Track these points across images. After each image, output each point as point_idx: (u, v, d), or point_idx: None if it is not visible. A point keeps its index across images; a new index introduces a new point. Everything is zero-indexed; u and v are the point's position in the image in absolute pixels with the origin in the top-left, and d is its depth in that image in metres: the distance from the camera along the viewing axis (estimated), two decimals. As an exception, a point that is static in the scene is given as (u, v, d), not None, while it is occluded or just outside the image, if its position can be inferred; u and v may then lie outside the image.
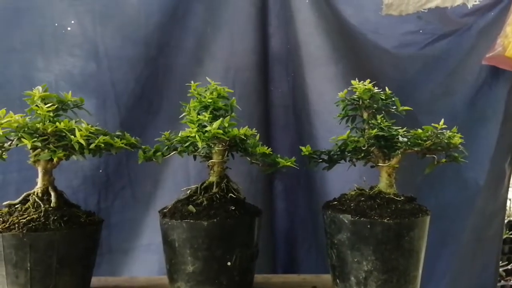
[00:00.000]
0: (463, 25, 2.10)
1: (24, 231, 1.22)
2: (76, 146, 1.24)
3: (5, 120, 1.25)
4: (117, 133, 1.39)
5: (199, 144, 1.24)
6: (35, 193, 1.33)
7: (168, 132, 1.41)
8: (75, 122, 1.32)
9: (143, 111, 1.93)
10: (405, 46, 2.09)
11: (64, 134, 1.26)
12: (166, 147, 1.39)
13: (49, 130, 1.25)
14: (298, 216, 2.11)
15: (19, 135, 1.24)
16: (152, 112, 1.94)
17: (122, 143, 1.32)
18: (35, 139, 1.23)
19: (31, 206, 1.30)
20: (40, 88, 1.35)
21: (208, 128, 1.24)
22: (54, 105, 1.32)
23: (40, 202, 1.31)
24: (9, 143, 1.29)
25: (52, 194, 1.33)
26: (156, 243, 1.89)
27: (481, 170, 2.15)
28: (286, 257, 2.17)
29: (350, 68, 2.02)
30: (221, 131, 1.25)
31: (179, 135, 1.35)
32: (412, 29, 2.08)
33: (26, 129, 1.25)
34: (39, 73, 1.85)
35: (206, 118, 1.29)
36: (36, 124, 1.26)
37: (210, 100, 1.35)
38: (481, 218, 2.21)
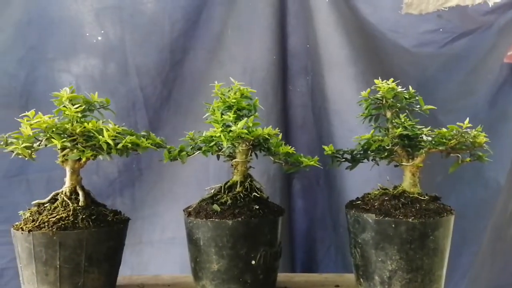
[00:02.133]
0: (483, 23, 2.08)
1: (54, 230, 1.25)
2: (104, 146, 1.26)
3: (35, 121, 1.28)
4: (143, 133, 1.42)
5: (224, 144, 1.25)
6: (64, 192, 1.36)
7: (193, 132, 1.42)
8: (102, 122, 1.34)
9: (172, 112, 2.03)
10: (424, 45, 2.08)
11: (92, 134, 1.28)
12: (191, 146, 1.40)
13: (77, 131, 1.28)
14: (317, 215, 2.12)
15: (48, 135, 1.27)
16: (180, 113, 2.02)
17: (148, 143, 1.34)
18: (64, 139, 1.26)
19: (59, 205, 1.33)
20: (67, 89, 1.37)
21: (233, 128, 1.26)
22: (81, 106, 1.34)
23: (68, 201, 1.33)
24: (38, 143, 1.32)
25: (80, 193, 1.36)
26: (180, 237, 1.96)
27: (502, 170, 2.14)
28: (304, 256, 2.18)
29: (370, 67, 2.02)
30: (245, 131, 1.27)
31: (203, 134, 1.37)
32: (432, 28, 2.07)
33: (55, 129, 1.28)
34: (72, 79, 1.96)
35: (231, 118, 1.31)
36: (65, 125, 1.28)
37: (234, 101, 1.36)
38: (502, 218, 2.20)
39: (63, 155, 1.32)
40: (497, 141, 2.07)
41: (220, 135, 1.25)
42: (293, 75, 2.11)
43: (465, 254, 2.16)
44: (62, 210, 1.31)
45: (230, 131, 1.27)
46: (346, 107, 2.03)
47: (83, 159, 1.29)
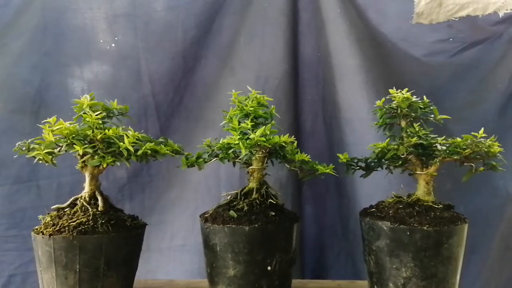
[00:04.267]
0: (494, 33, 2.09)
1: (74, 234, 1.27)
2: (125, 153, 1.29)
3: (57, 127, 1.30)
4: (160, 139, 1.44)
5: (243, 152, 1.27)
6: (83, 197, 1.38)
7: (209, 139, 1.45)
8: (122, 129, 1.37)
9: (183, 119, 2.04)
10: (435, 54, 2.09)
11: (112, 141, 1.31)
12: (208, 153, 1.42)
13: (98, 137, 1.31)
14: (327, 221, 2.13)
15: (69, 141, 1.29)
16: (191, 119, 2.04)
17: (166, 150, 1.36)
18: (86, 145, 1.29)
19: (79, 210, 1.35)
20: (88, 96, 1.40)
21: (251, 136, 1.28)
22: (102, 112, 1.37)
23: (88, 206, 1.35)
24: (58, 149, 1.34)
25: (99, 198, 1.38)
26: (190, 244, 2.00)
27: (511, 178, 2.15)
28: (314, 262, 2.19)
29: (381, 76, 2.05)
30: (263, 139, 1.29)
31: (220, 142, 1.39)
32: (442, 37, 2.09)
33: (76, 135, 1.31)
34: (84, 85, 1.98)
35: (248, 126, 1.33)
36: (86, 131, 1.31)
37: (251, 109, 1.38)
38: (510, 227, 2.20)
39: (83, 161, 1.35)
40: (506, 150, 2.08)
41: (238, 143, 1.27)
42: (305, 83, 2.13)
43: (473, 262, 2.16)
44: (82, 215, 1.33)
45: (248, 138, 1.30)
46: (357, 115, 2.04)
47: (104, 165, 1.31)
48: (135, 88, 2.01)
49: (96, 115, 1.34)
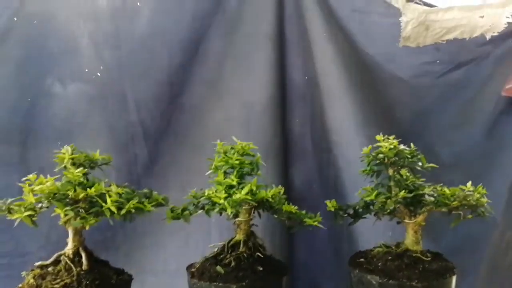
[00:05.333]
0: (481, 53, 2.07)
1: None
2: (107, 213, 1.25)
3: (37, 187, 1.26)
4: (145, 191, 1.41)
5: (228, 211, 1.25)
6: (66, 255, 1.34)
7: (195, 189, 1.42)
8: (104, 183, 1.33)
9: (171, 143, 2.02)
10: (422, 76, 2.07)
11: (95, 200, 1.27)
12: (194, 205, 1.40)
13: (80, 197, 1.26)
14: (321, 267, 2.11)
15: (51, 201, 1.26)
16: (179, 144, 2.01)
17: (151, 205, 1.33)
18: (67, 207, 1.25)
19: (63, 269, 1.31)
20: (69, 148, 1.37)
21: (237, 196, 1.25)
22: (85, 168, 1.34)
23: (71, 265, 1.31)
24: (40, 205, 1.29)
25: (83, 255, 1.34)
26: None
27: (498, 202, 2.13)
28: None
29: (368, 98, 2.03)
30: (249, 197, 1.27)
31: (206, 194, 1.36)
32: (430, 60, 2.06)
33: (57, 194, 1.26)
34: (70, 113, 1.95)
35: (234, 182, 1.31)
36: (68, 190, 1.26)
37: (236, 162, 1.36)
38: (498, 248, 2.21)
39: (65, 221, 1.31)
40: (494, 171, 2.08)
41: (224, 202, 1.25)
42: (293, 107, 2.11)
43: (463, 286, 2.17)
44: (66, 275, 1.29)
45: (233, 195, 1.27)
46: (345, 138, 2.03)
47: (86, 227, 1.28)
48: (122, 115, 1.99)
49: (78, 171, 1.30)
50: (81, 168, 1.32)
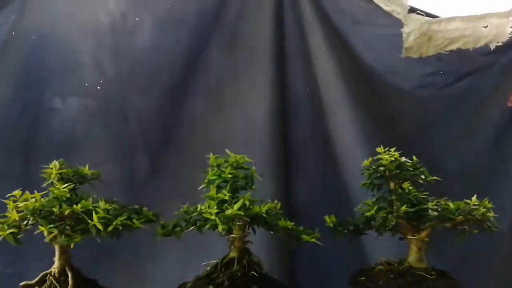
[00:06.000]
0: (485, 63, 2.02)
1: None
2: (94, 231, 1.20)
3: (22, 203, 1.22)
4: (135, 207, 1.37)
5: (220, 228, 1.19)
6: (52, 274, 1.29)
7: (187, 205, 1.36)
8: (93, 199, 1.28)
9: (172, 154, 2.00)
10: (424, 87, 2.03)
11: (81, 216, 1.22)
12: (185, 221, 1.34)
13: (66, 213, 1.21)
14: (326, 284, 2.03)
15: (36, 219, 1.21)
16: (181, 156, 1.99)
17: (140, 222, 1.28)
18: (51, 225, 1.19)
19: (48, 289, 1.26)
20: (57, 163, 1.32)
21: (229, 211, 1.19)
22: (74, 183, 1.30)
23: (57, 285, 1.26)
24: (25, 222, 1.24)
25: (69, 274, 1.28)
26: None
27: (504, 215, 2.06)
28: None
29: (370, 111, 1.99)
30: (241, 212, 1.21)
31: (198, 210, 1.30)
32: (432, 70, 2.02)
33: (42, 211, 1.21)
34: (72, 125, 1.95)
35: (227, 197, 1.25)
36: (53, 208, 1.22)
37: (229, 176, 1.30)
38: (505, 262, 2.12)
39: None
40: (499, 183, 2.01)
41: (215, 219, 1.19)
42: (293, 120, 2.06)
43: None
44: None
45: (225, 210, 1.21)
46: (348, 151, 1.98)
47: (71, 245, 1.22)
48: (124, 128, 1.98)
49: (64, 187, 1.25)
50: (67, 184, 1.27)
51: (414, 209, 1.28)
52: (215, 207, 1.25)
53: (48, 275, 1.29)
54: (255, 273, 1.31)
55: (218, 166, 1.36)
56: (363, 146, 1.94)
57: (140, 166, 1.99)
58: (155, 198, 1.92)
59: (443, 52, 2.01)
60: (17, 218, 1.20)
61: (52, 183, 1.31)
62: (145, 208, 1.36)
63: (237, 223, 1.30)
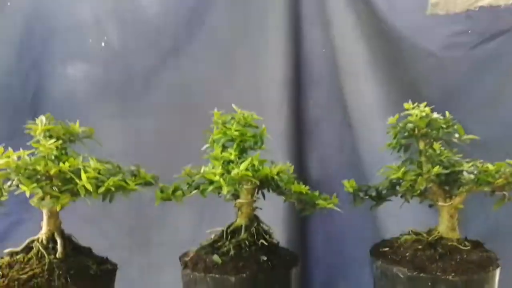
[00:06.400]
0: None
1: None
2: (82, 192, 1.06)
3: (3, 161, 1.08)
4: (132, 167, 1.21)
5: (224, 190, 1.04)
6: (40, 240, 1.15)
7: (189, 166, 1.21)
8: (83, 158, 1.13)
9: (177, 119, 1.91)
10: (451, 48, 1.86)
11: (69, 176, 1.08)
12: (187, 184, 1.20)
13: (52, 172, 1.07)
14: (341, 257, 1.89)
15: (18, 178, 1.07)
16: (186, 120, 1.90)
17: (135, 184, 1.13)
18: (34, 184, 1.05)
19: (34, 257, 1.12)
20: (43, 118, 1.17)
21: (235, 171, 1.04)
22: (59, 139, 1.14)
23: (44, 252, 1.12)
24: (8, 183, 1.11)
25: (58, 241, 1.14)
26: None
27: None
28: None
29: (391, 74, 1.84)
30: (249, 173, 1.06)
31: (201, 171, 1.16)
32: (460, 30, 1.84)
33: (26, 170, 1.07)
34: (76, 85, 1.93)
35: (232, 156, 1.10)
36: (37, 166, 1.08)
37: (236, 133, 1.15)
38: None
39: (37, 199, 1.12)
40: None
41: (219, 179, 1.04)
42: (309, 84, 1.93)
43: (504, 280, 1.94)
44: (37, 264, 1.10)
45: (230, 171, 1.06)
46: (366, 119, 1.84)
47: (57, 208, 1.09)
48: (127, 87, 1.92)
49: (51, 143, 1.10)
50: (53, 140, 1.12)
51: (448, 171, 1.12)
52: (220, 167, 1.10)
53: (35, 241, 1.15)
54: (264, 242, 1.17)
55: (224, 123, 1.21)
56: (384, 112, 1.79)
57: (146, 127, 1.92)
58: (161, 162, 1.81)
59: (473, 8, 1.84)
60: (-2, 178, 1.06)
61: (38, 140, 1.15)
62: (142, 170, 1.21)
63: (245, 186, 1.16)
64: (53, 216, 1.16)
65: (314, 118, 1.94)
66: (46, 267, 1.09)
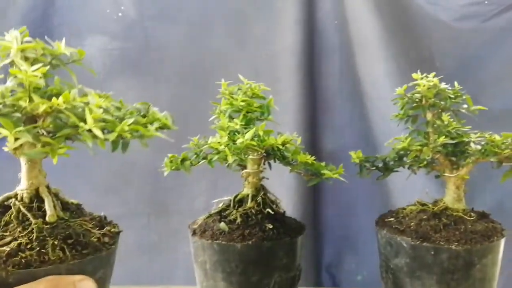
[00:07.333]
0: None
1: (9, 267, 0.73)
2: (89, 139, 0.76)
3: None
4: (137, 105, 0.91)
5: (229, 159, 1.06)
6: (20, 199, 0.83)
7: (197, 137, 1.23)
8: (78, 90, 0.81)
9: (190, 88, 1.89)
10: (467, 18, 1.83)
11: (63, 115, 0.77)
12: (195, 154, 1.22)
13: (40, 111, 0.75)
14: (351, 223, 1.91)
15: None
16: (199, 89, 1.86)
17: (153, 129, 0.84)
18: (20, 128, 0.72)
19: (14, 220, 0.80)
20: (18, 34, 0.80)
21: (240, 141, 1.06)
22: (44, 65, 0.79)
23: (28, 214, 0.81)
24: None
25: (46, 200, 0.82)
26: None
27: None
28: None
29: (404, 45, 1.82)
30: (254, 142, 1.07)
31: (209, 141, 1.18)
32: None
33: (4, 107, 0.74)
34: (94, 54, 1.88)
35: (237, 126, 1.11)
36: (20, 102, 0.74)
37: (242, 103, 1.15)
38: None
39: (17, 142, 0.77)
40: None
41: (224, 149, 1.06)
42: (320, 55, 1.91)
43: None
44: (20, 231, 0.79)
45: (236, 142, 1.08)
46: (377, 90, 1.82)
47: (54, 160, 0.80)
48: (144, 57, 1.89)
49: (36, 69, 0.76)
50: (39, 65, 0.77)
51: (454, 141, 1.11)
52: (226, 138, 1.11)
53: (13, 199, 0.84)
54: (270, 211, 1.19)
55: (231, 94, 1.21)
56: (396, 84, 1.77)
57: (162, 95, 1.89)
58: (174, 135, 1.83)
59: (489, -23, 1.79)
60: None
61: (11, 63, 0.79)
62: (153, 109, 0.92)
63: (251, 156, 1.18)
64: (36, 166, 0.84)
65: (326, 89, 1.92)
66: (34, 235, 0.78)
